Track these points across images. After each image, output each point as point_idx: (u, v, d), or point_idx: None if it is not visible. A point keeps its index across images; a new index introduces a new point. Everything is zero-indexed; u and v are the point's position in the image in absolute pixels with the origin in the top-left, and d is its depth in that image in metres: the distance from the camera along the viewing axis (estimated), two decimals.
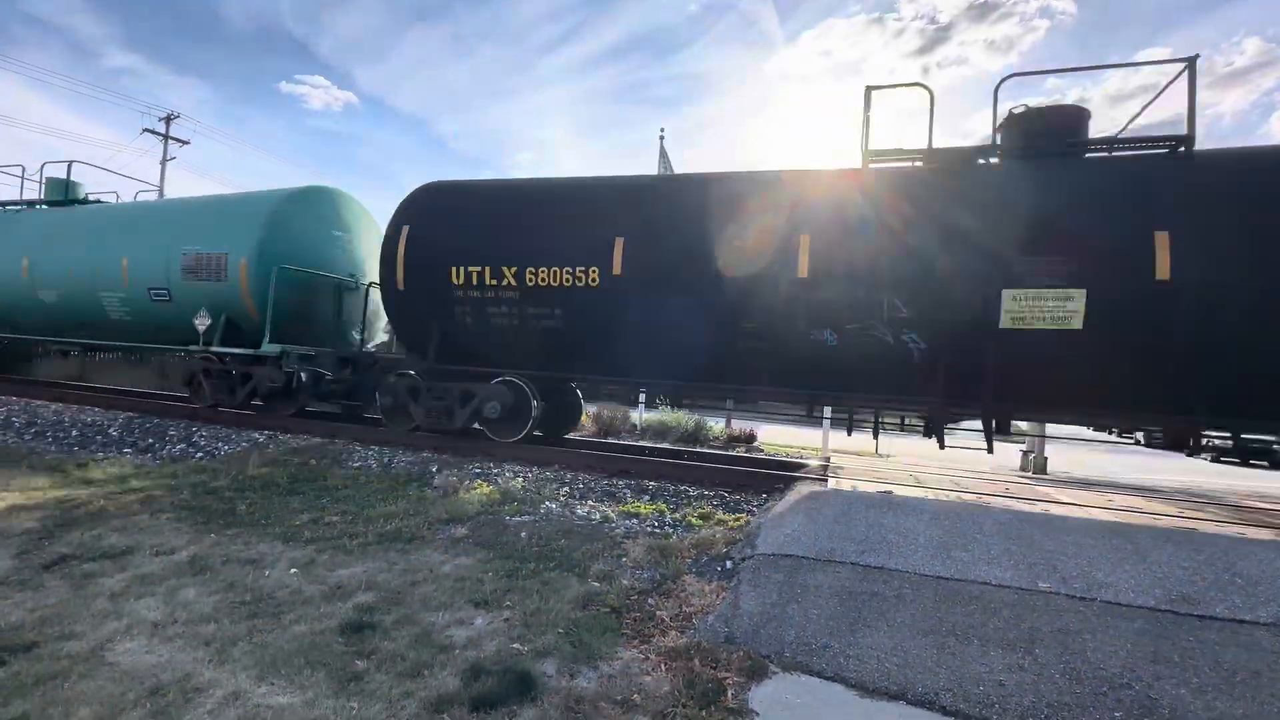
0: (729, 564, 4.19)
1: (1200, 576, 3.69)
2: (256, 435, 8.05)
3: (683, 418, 11.45)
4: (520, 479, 6.22)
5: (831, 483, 6.34)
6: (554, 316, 7.07)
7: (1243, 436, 7.12)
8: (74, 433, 8.15)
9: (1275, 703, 2.68)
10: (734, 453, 9.70)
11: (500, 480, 6.18)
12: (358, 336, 9.93)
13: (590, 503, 5.65)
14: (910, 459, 9.84)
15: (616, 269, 6.71)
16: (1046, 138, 5.86)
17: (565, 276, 6.90)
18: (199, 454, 7.27)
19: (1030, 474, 9.75)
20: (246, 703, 2.48)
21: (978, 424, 6.17)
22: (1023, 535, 4.27)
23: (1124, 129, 6.46)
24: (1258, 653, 3.02)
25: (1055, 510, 5.33)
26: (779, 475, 6.73)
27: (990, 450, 6.14)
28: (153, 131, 28.05)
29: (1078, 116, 5.97)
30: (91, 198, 12.27)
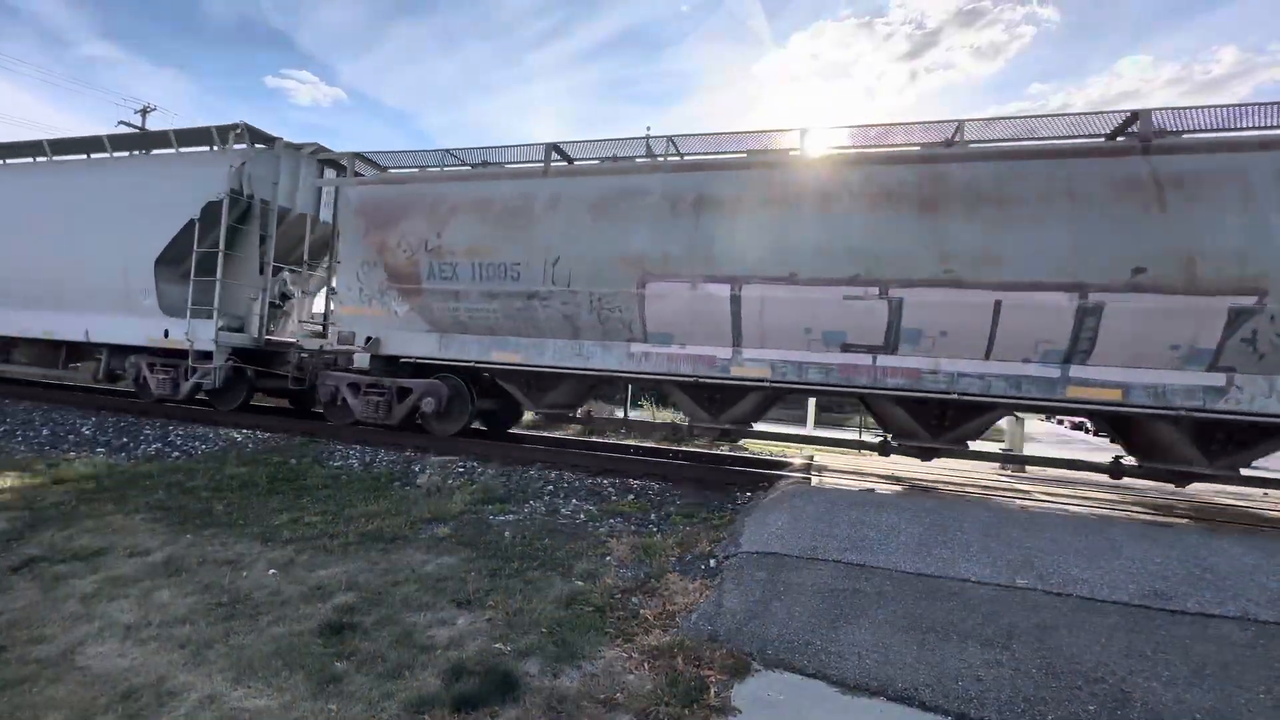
0: (713, 562, 4.20)
1: (1172, 572, 3.78)
2: (235, 434, 7.92)
3: (668, 416, 11.46)
4: (503, 477, 6.19)
5: (815, 480, 6.39)
6: None
7: None
8: (44, 431, 7.95)
9: (1242, 694, 2.75)
10: (718, 451, 9.72)
11: (483, 479, 6.13)
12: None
13: (575, 501, 5.63)
14: (892, 458, 9.92)
15: None
16: None
17: None
18: (175, 453, 7.13)
19: (1009, 471, 9.90)
20: (222, 706, 2.44)
21: None
22: (1001, 532, 4.33)
23: None
24: (1226, 646, 3.09)
25: (1033, 507, 5.42)
26: (763, 474, 6.77)
27: None
28: (128, 124, 27.46)
29: None
30: None
